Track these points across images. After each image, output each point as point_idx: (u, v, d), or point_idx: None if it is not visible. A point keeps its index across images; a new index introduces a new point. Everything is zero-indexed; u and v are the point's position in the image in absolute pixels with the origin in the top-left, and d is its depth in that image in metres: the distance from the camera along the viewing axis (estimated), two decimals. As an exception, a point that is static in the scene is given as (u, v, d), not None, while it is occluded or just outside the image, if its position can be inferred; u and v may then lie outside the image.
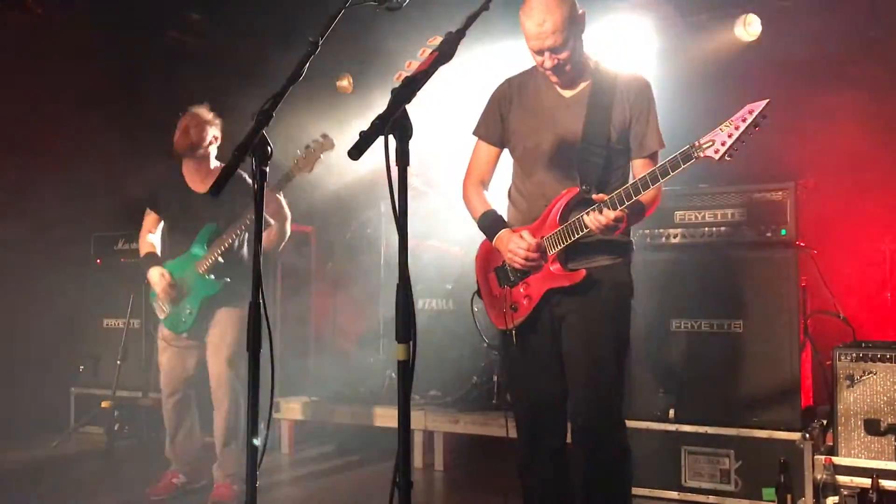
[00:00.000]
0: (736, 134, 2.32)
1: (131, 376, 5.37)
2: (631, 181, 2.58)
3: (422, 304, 5.22)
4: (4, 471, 4.77)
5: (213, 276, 4.03)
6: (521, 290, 2.79)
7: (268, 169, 1.99)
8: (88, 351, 5.86)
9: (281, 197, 4.10)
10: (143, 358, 5.32)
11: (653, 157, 2.75)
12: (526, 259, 2.69)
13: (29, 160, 5.81)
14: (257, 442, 2.03)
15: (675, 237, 4.15)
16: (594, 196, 2.60)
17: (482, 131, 2.94)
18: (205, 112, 4.19)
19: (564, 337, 2.76)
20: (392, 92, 1.83)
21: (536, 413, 2.86)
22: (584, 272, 2.67)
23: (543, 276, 2.73)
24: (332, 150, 3.99)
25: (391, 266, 5.67)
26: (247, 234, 4.11)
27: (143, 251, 4.28)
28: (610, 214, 2.50)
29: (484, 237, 2.91)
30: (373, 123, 1.79)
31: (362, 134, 1.78)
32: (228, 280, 4.04)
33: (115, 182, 5.48)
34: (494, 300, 2.89)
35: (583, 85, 2.78)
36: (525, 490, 2.91)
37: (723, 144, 2.33)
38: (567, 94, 2.80)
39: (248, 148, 1.97)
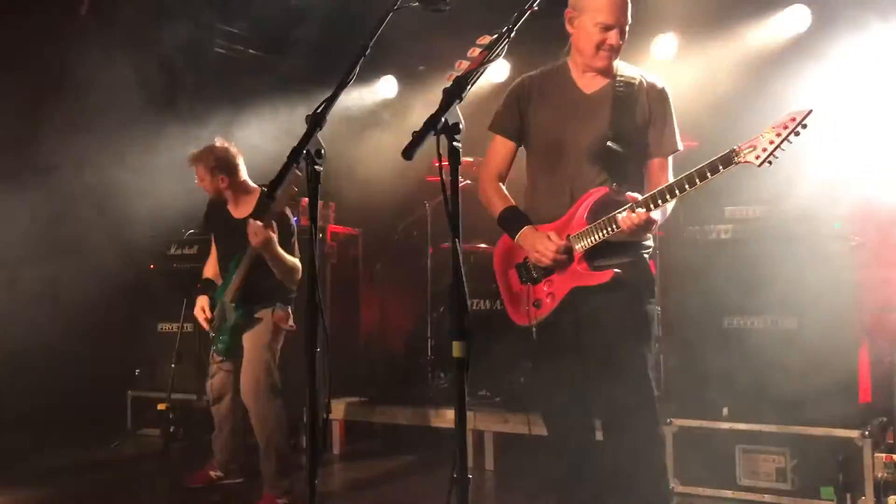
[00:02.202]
0: (777, 141, 2.36)
1: (186, 379, 5.45)
2: (651, 182, 2.68)
3: (470, 304, 5.22)
4: (66, 472, 4.90)
5: (235, 305, 4.14)
6: (545, 287, 2.79)
7: (321, 169, 2.03)
8: (144, 355, 5.98)
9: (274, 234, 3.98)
10: (197, 361, 5.42)
11: (669, 156, 2.84)
12: (554, 261, 2.70)
13: (82, 168, 5.97)
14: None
15: (725, 233, 4.10)
16: (627, 195, 2.63)
17: (500, 127, 2.95)
18: (200, 164, 4.26)
19: (589, 334, 2.77)
20: (444, 92, 1.85)
21: (562, 408, 2.88)
22: (612, 272, 2.68)
23: (568, 274, 2.74)
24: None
25: (438, 267, 5.71)
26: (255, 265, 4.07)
27: (204, 273, 4.50)
28: (644, 215, 2.53)
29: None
30: (425, 123, 1.81)
31: (414, 134, 1.81)
32: (247, 310, 4.12)
33: (168, 188, 5.59)
34: (514, 296, 2.90)
35: (604, 83, 2.82)
36: (558, 484, 2.95)
37: (763, 150, 2.37)
38: (589, 91, 2.83)
39: (303, 150, 2.02)
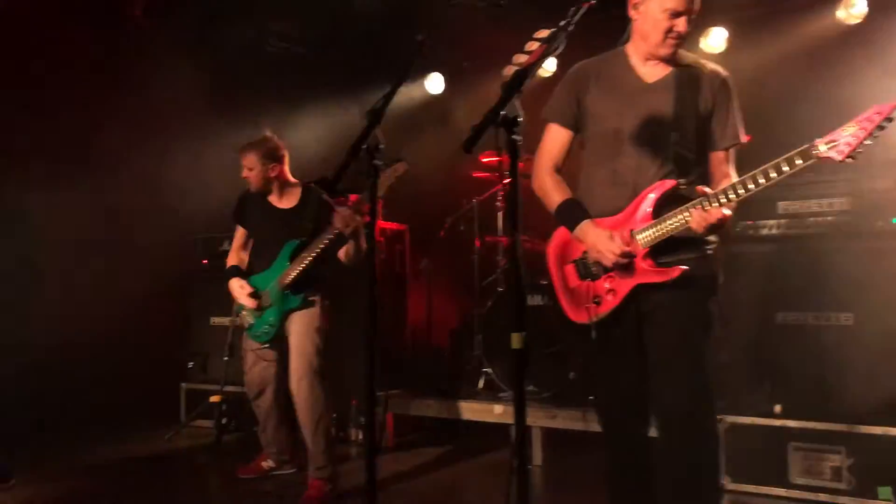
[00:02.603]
0: (861, 135, 2.25)
1: (238, 372, 5.49)
2: (715, 176, 2.63)
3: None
4: (120, 463, 5.01)
5: (291, 291, 4.13)
6: (606, 284, 2.69)
7: (381, 164, 2.07)
8: (197, 348, 6.09)
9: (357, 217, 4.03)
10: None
11: (732, 148, 2.74)
12: (616, 264, 2.63)
13: (138, 166, 6.11)
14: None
15: (779, 228, 4.04)
16: (698, 188, 2.52)
17: (556, 115, 2.84)
18: (253, 152, 4.30)
19: (651, 331, 2.69)
20: (502, 85, 1.86)
21: (618, 405, 2.84)
22: (679, 269, 2.57)
23: (632, 270, 2.64)
24: (403, 173, 3.76)
25: (484, 262, 5.73)
26: (326, 251, 4.09)
27: (228, 263, 4.50)
28: (719, 212, 2.44)
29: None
30: (485, 117, 1.83)
31: (474, 127, 1.83)
32: (306, 295, 4.14)
33: (221, 185, 5.70)
34: (571, 292, 2.80)
35: (666, 72, 2.72)
36: (609, 481, 2.90)
37: (847, 146, 2.26)
38: (650, 80, 2.73)
39: (362, 145, 2.05)
